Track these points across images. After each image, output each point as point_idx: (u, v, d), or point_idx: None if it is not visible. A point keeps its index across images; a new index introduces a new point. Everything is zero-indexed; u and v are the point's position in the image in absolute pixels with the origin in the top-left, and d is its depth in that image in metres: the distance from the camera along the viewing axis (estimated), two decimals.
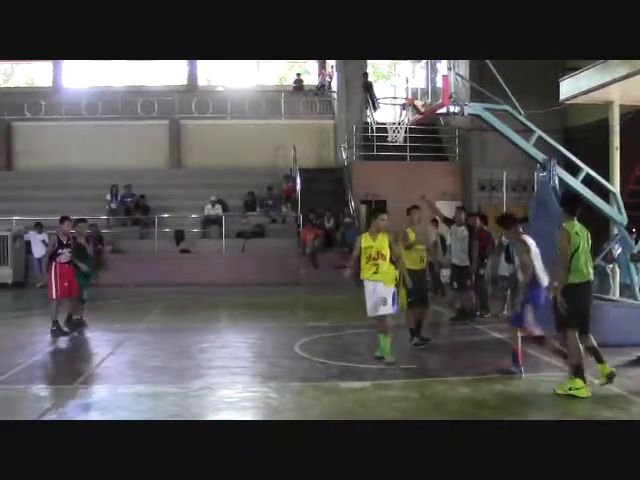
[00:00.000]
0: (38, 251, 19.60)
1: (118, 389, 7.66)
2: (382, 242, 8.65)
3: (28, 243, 20.13)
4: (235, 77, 29.76)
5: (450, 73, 11.23)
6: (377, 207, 7.89)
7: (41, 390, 7.64)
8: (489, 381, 7.76)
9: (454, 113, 11.68)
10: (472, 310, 12.71)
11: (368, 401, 7.15)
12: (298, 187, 22.04)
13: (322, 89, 28.27)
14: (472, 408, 6.72)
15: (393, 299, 8.68)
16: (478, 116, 11.39)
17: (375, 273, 8.58)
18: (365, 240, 8.74)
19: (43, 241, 19.62)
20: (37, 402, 7.14)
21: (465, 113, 11.44)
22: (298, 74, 29.92)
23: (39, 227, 19.87)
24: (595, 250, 10.92)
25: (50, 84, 28.17)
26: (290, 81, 30.44)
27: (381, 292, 8.56)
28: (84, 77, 28.13)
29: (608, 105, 12.87)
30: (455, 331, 11.69)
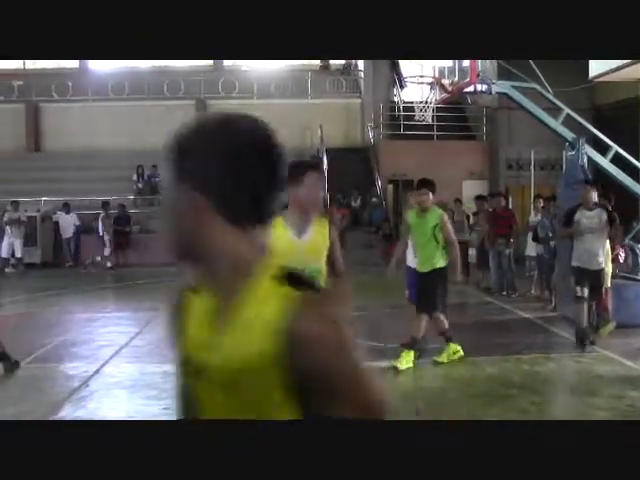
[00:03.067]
0: (67, 231, 19.91)
1: (146, 368, 7.76)
2: None
3: (56, 223, 20.40)
4: None
5: None
6: None
7: (70, 369, 7.77)
8: (516, 361, 7.73)
9: (481, 92, 11.56)
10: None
11: (393, 380, 7.17)
12: (325, 167, 22.01)
13: (349, 68, 28.10)
14: (499, 387, 6.71)
15: None
16: (506, 94, 11.25)
17: None
18: None
19: (75, 225, 19.95)
20: (67, 380, 7.27)
21: (493, 92, 11.31)
22: None
23: (67, 207, 20.11)
24: (625, 229, 10.83)
25: (77, 65, 28.34)
26: (316, 60, 30.29)
27: None
28: None
29: (639, 83, 12.64)
30: (481, 311, 11.65)
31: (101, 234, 19.61)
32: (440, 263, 7.38)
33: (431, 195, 7.31)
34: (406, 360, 7.43)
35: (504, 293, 12.80)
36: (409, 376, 7.37)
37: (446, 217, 7.52)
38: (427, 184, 7.39)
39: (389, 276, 7.80)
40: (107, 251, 19.64)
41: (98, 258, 19.54)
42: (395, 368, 7.30)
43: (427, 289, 7.42)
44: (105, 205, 19.88)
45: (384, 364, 7.61)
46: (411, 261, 7.93)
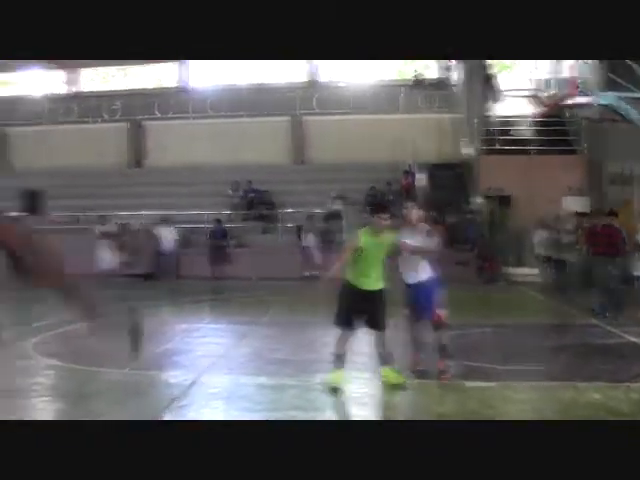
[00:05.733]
0: (166, 244, 20.49)
1: (241, 379, 7.83)
2: None
3: (157, 237, 21.00)
4: (355, 72, 29.74)
5: (577, 61, 10.71)
6: None
7: (169, 377, 7.92)
8: (625, 389, 7.19)
9: (582, 104, 11.16)
10: None
11: (494, 401, 6.95)
12: (423, 182, 21.81)
13: (442, 82, 27.75)
14: (605, 415, 6.29)
15: None
16: (610, 106, 10.80)
17: None
18: None
19: (174, 239, 20.52)
20: (165, 389, 7.42)
21: (596, 103, 10.90)
22: (415, 70, 29.36)
23: (167, 221, 20.71)
24: None
25: (177, 84, 29.27)
26: (409, 75, 30.08)
27: None
28: (209, 76, 29.02)
29: None
30: (585, 333, 11.15)
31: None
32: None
33: None
34: (392, 377, 7.39)
35: (609, 315, 12.21)
36: (513, 398, 7.13)
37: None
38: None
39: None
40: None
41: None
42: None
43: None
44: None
45: (484, 384, 7.41)
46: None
